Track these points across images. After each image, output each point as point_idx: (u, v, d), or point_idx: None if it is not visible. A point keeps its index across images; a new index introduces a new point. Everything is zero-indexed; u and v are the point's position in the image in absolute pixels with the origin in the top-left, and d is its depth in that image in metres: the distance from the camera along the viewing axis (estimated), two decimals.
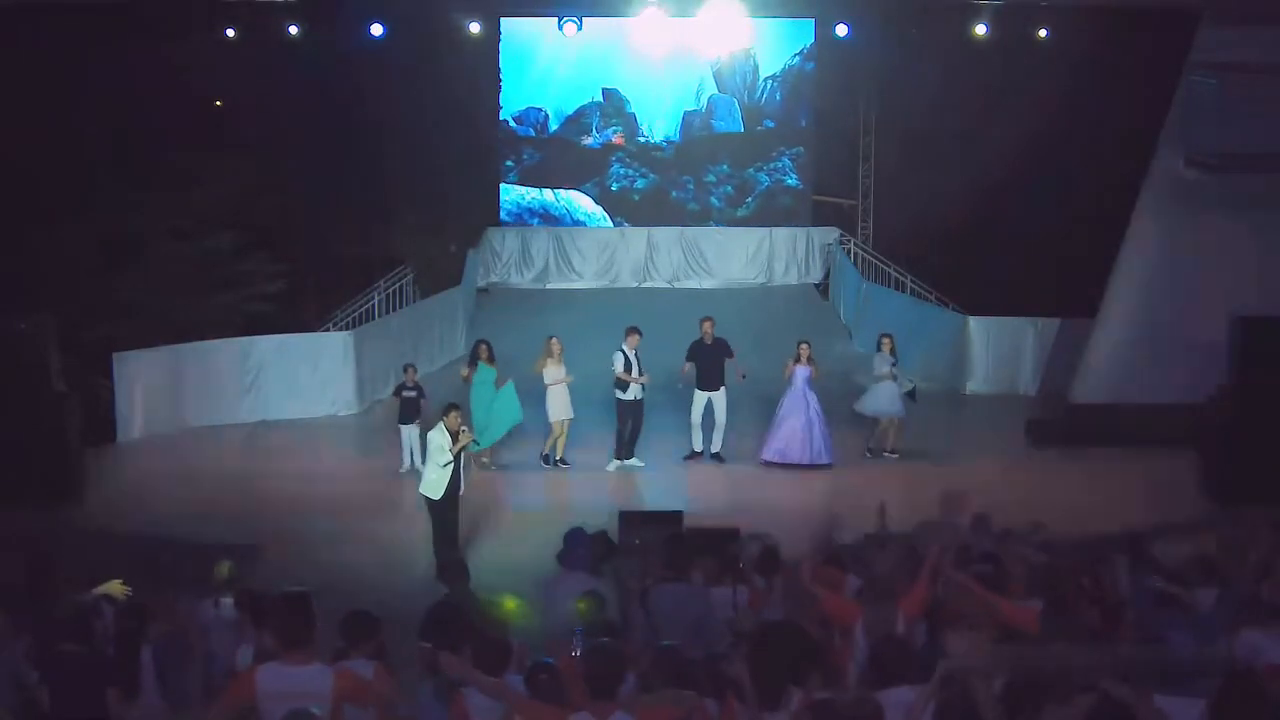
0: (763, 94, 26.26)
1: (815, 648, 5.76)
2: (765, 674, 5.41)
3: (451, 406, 12.64)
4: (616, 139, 26.26)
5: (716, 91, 26.08)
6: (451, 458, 12.23)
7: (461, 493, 12.49)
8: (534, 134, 26.20)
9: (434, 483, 12.34)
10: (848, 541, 9.07)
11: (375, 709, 5.79)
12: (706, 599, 8.61)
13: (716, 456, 15.76)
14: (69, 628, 6.95)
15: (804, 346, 15.57)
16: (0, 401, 14.18)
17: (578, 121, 26.16)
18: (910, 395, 16.05)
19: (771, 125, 26.32)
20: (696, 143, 26.14)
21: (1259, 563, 8.42)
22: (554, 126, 26.10)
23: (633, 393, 15.34)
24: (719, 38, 22.01)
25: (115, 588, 8.04)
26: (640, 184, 26.48)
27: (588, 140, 26.19)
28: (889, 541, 9.25)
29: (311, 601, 5.82)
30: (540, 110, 26.12)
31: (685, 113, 26.08)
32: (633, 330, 15.41)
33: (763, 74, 26.07)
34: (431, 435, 12.53)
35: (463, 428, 12.55)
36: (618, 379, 15.38)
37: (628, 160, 26.36)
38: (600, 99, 26.00)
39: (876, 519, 8.45)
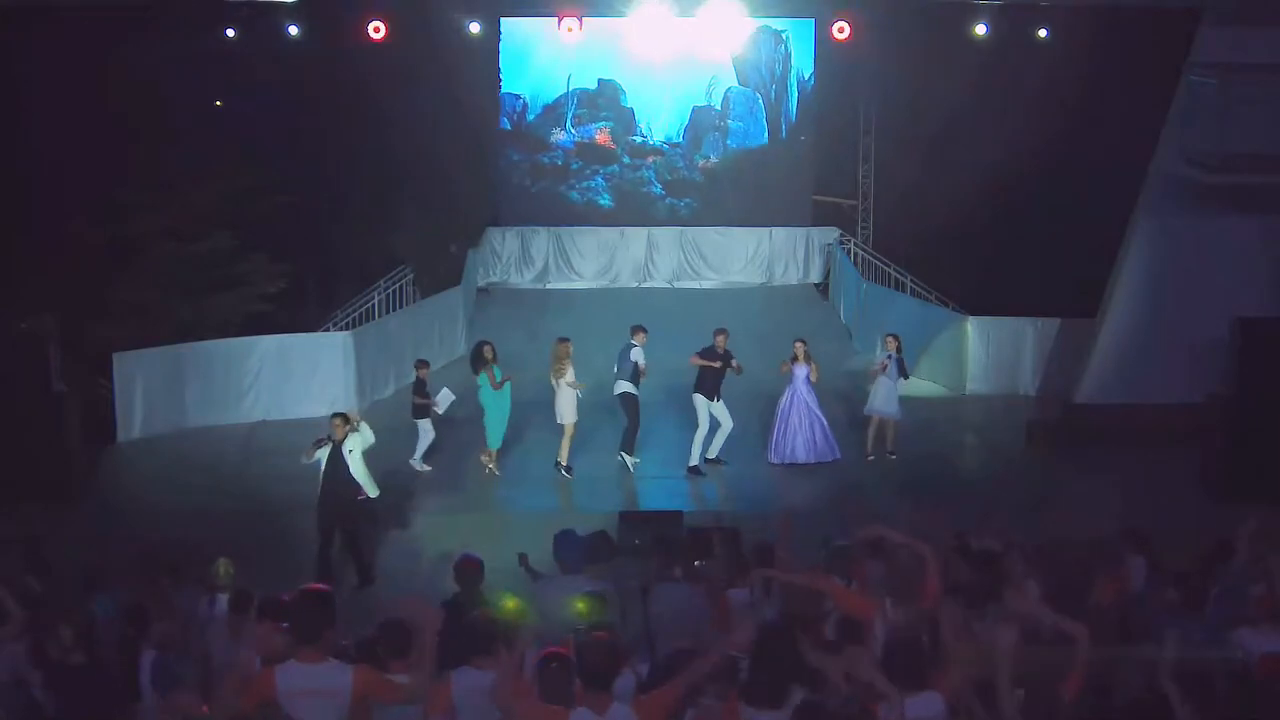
0: (807, 84, 24.05)
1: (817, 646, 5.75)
2: (768, 673, 5.41)
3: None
4: (600, 137, 24.30)
5: (736, 84, 24.08)
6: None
7: (361, 496, 12.41)
8: (509, 126, 24.59)
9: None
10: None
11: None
12: (707, 598, 8.61)
13: (716, 460, 15.55)
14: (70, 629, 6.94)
15: (800, 345, 15.53)
16: (0, 401, 14.18)
17: (555, 112, 24.18)
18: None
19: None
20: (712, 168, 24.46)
21: (1258, 562, 8.43)
22: (531, 118, 24.52)
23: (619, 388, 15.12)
24: (728, 35, 20.63)
25: None
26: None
27: (559, 136, 23.97)
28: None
29: (333, 599, 5.79)
30: (518, 97, 24.15)
31: (694, 109, 24.44)
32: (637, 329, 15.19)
33: (801, 60, 23.70)
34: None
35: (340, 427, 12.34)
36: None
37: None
38: (594, 87, 24.20)
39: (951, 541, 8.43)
